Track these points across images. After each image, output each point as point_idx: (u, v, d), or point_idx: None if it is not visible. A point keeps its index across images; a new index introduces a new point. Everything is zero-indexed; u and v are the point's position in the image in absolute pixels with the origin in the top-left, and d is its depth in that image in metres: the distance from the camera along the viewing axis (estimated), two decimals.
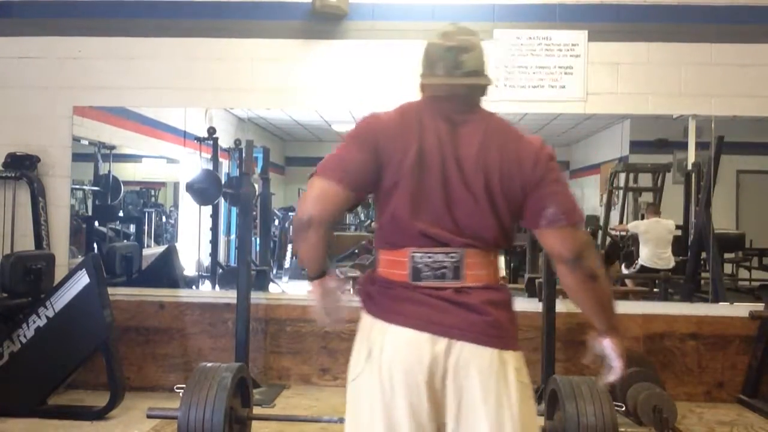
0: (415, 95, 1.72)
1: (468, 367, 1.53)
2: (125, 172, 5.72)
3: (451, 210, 1.58)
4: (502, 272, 5.44)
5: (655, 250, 5.43)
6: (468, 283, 1.59)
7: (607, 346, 1.68)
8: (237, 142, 5.45)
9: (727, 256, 5.55)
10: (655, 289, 5.23)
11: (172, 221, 6.25)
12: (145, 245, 5.83)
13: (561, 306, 4.25)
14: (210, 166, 5.27)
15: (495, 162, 1.58)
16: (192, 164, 5.37)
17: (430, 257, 1.58)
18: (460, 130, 1.62)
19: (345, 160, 1.61)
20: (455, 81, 1.64)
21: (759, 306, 4.26)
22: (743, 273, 5.91)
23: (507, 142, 1.61)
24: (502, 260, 5.46)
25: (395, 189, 1.59)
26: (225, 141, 5.34)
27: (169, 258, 5.37)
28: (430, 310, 1.56)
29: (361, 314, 1.66)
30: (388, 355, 1.55)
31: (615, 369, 1.68)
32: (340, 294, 1.73)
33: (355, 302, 1.70)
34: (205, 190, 4.95)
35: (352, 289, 1.75)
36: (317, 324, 1.77)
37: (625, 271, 5.75)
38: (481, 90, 1.68)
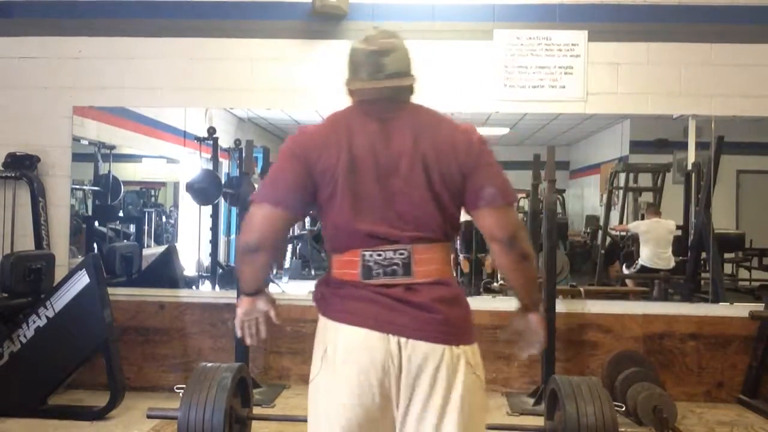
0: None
1: (420, 365, 1.56)
2: (125, 172, 5.71)
3: (393, 207, 1.61)
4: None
5: (655, 250, 5.43)
6: (418, 279, 1.61)
7: (533, 320, 1.77)
8: (237, 142, 5.45)
9: (727, 256, 5.55)
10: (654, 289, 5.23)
11: (172, 221, 6.24)
12: (145, 245, 5.82)
13: (561, 306, 4.25)
14: (210, 166, 5.26)
15: (431, 152, 1.62)
16: (192, 164, 5.37)
17: (380, 255, 1.61)
18: (390, 127, 1.65)
19: (279, 182, 1.65)
20: (378, 84, 1.67)
21: (759, 306, 4.26)
22: (743, 273, 5.90)
23: (440, 132, 1.65)
24: None
25: (333, 198, 1.62)
26: (225, 141, 5.34)
27: (169, 258, 5.36)
28: (381, 308, 1.59)
29: (319, 316, 1.69)
30: (342, 354, 1.58)
31: (538, 342, 1.78)
32: (267, 316, 1.79)
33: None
34: (205, 190, 4.96)
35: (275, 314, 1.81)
36: (236, 334, 1.81)
37: (625, 271, 5.75)
38: (408, 90, 1.72)
